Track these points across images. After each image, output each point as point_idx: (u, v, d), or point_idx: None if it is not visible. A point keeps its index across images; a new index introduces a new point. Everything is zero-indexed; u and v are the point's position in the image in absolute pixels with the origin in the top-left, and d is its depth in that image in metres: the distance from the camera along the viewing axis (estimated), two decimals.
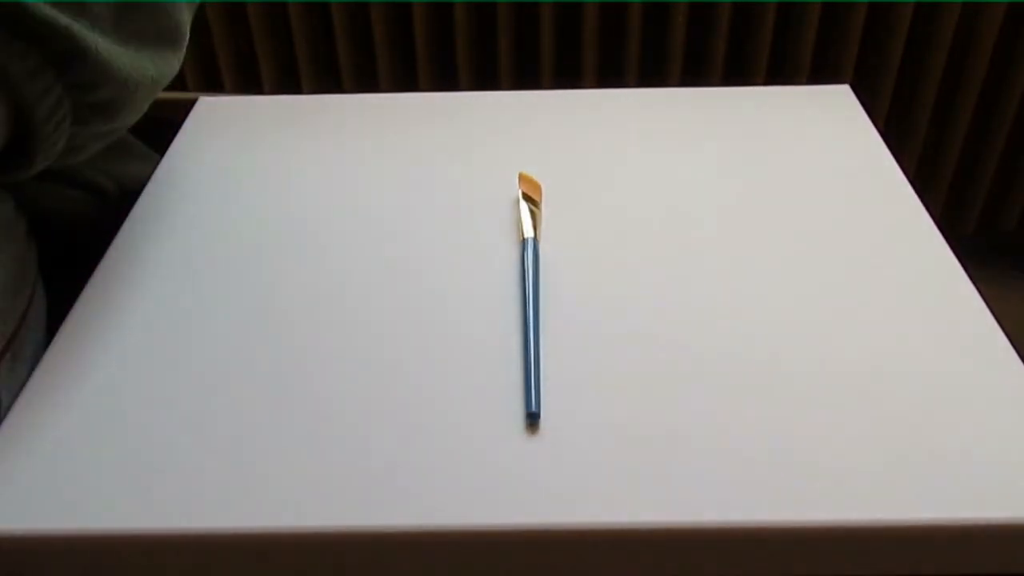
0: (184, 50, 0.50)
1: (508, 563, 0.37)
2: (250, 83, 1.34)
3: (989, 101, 1.35)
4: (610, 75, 1.32)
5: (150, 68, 0.46)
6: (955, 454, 0.39)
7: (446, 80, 1.34)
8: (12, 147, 0.43)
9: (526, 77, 1.33)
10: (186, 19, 0.50)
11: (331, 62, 1.32)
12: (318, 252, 0.52)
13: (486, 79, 1.33)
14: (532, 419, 0.41)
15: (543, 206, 0.55)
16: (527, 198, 0.54)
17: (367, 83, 1.34)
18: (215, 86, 1.34)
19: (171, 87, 0.52)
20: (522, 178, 0.56)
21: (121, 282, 0.50)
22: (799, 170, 0.58)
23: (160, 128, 0.62)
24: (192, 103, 0.67)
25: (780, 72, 1.32)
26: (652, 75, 1.32)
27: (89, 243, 0.53)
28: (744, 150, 0.61)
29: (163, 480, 0.38)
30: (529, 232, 0.51)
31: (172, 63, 0.49)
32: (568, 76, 1.33)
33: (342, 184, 0.58)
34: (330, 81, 1.34)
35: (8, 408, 0.42)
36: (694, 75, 1.32)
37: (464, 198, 0.56)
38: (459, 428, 0.40)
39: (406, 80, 1.34)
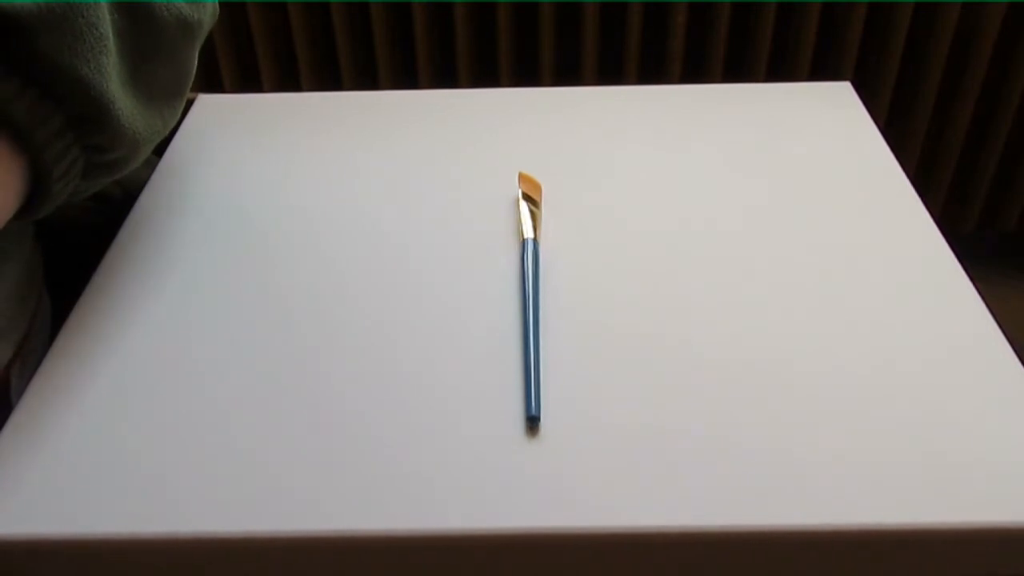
0: (188, 89, 0.50)
1: (508, 567, 0.37)
2: (250, 82, 1.34)
3: (989, 100, 1.35)
4: (610, 73, 1.32)
5: (159, 123, 0.46)
6: (954, 456, 0.39)
7: (446, 78, 1.34)
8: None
9: (526, 75, 1.33)
10: (194, 62, 0.50)
11: (331, 61, 1.32)
12: (317, 252, 0.52)
13: (486, 77, 1.33)
14: (532, 423, 0.41)
15: (543, 206, 0.55)
16: (527, 198, 0.54)
17: (367, 81, 1.34)
18: (215, 85, 1.34)
19: None
20: (522, 178, 0.56)
21: (121, 283, 0.49)
22: (799, 167, 0.58)
23: None
24: (191, 101, 0.67)
25: (780, 71, 1.32)
26: (652, 73, 1.32)
27: (93, 247, 0.53)
28: (745, 147, 0.61)
29: (166, 484, 0.38)
30: (529, 233, 0.51)
31: (179, 107, 0.49)
32: (568, 74, 1.33)
33: (341, 183, 0.58)
34: (330, 79, 1.34)
35: None
36: (694, 73, 1.32)
37: (464, 197, 0.56)
38: (459, 432, 0.40)
39: (406, 78, 1.34)
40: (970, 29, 1.27)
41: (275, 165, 0.60)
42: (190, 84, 0.49)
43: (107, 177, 0.45)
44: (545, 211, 0.55)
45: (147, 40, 0.44)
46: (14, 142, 0.39)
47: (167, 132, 0.48)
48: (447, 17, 1.28)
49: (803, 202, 0.55)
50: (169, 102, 0.47)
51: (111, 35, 0.41)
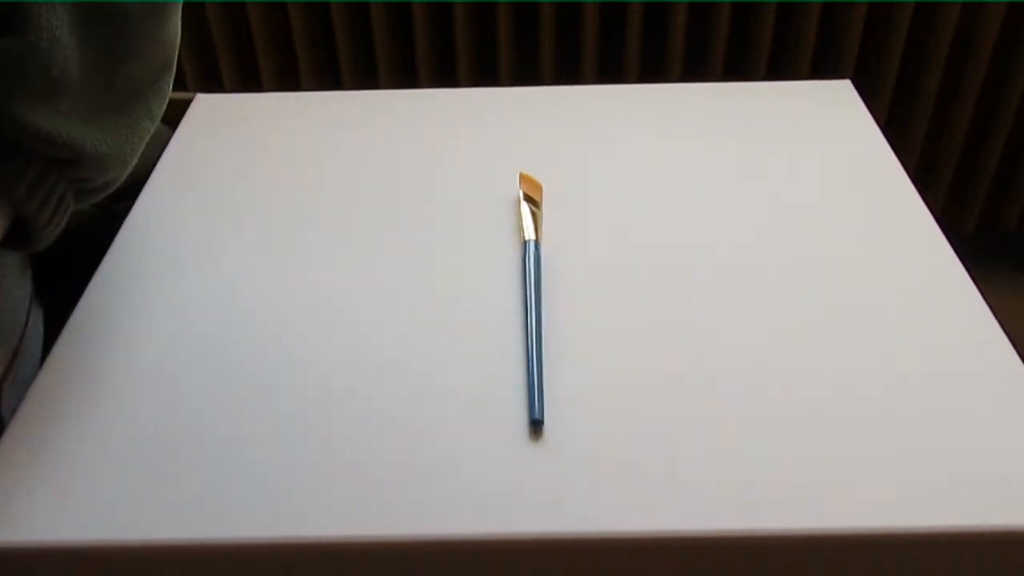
0: (176, 55, 0.48)
1: (512, 571, 0.37)
2: (250, 82, 1.34)
3: (989, 100, 1.35)
4: (610, 71, 1.32)
5: (147, 122, 0.45)
6: (956, 457, 0.39)
7: (446, 77, 1.34)
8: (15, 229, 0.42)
9: (526, 75, 1.33)
10: (177, 30, 0.48)
11: (331, 61, 1.32)
12: (317, 252, 0.51)
13: (486, 77, 1.33)
14: (536, 426, 0.40)
15: (544, 206, 0.55)
16: (528, 199, 0.54)
17: (367, 81, 1.34)
18: (215, 86, 1.33)
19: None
20: (523, 178, 0.55)
21: (120, 288, 0.49)
22: (799, 165, 0.58)
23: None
24: (190, 101, 0.67)
25: (780, 71, 1.32)
26: (652, 72, 1.32)
27: (81, 249, 0.53)
28: (745, 146, 0.60)
29: (164, 490, 0.38)
30: (530, 234, 0.51)
31: (169, 84, 0.47)
32: (568, 73, 1.32)
33: (341, 183, 0.57)
34: (330, 79, 1.34)
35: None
36: (694, 72, 1.32)
37: (464, 198, 0.56)
38: (462, 436, 0.40)
39: (406, 78, 1.34)
40: (970, 29, 1.27)
41: (274, 165, 0.59)
42: (176, 53, 0.47)
43: (102, 195, 0.45)
44: (546, 211, 0.55)
45: (121, 40, 0.42)
46: None
47: (158, 121, 0.47)
48: (447, 17, 1.28)
49: (803, 200, 0.55)
50: (155, 88, 0.45)
51: (74, 62, 0.39)
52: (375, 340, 0.45)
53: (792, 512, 0.37)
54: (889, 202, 0.55)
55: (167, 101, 0.47)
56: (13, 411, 0.42)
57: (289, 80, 1.34)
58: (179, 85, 0.48)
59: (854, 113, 0.64)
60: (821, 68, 1.32)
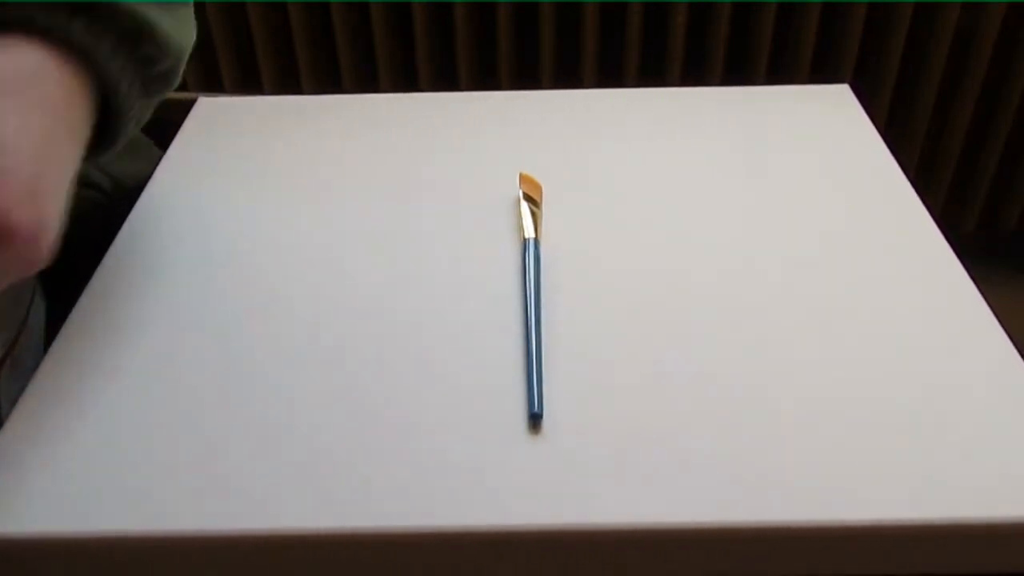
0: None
1: (511, 564, 0.37)
2: (250, 82, 1.34)
3: (989, 100, 1.35)
4: (610, 75, 1.32)
5: (188, 34, 0.47)
6: (955, 453, 0.39)
7: (446, 80, 1.34)
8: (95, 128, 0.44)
9: (526, 77, 1.33)
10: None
11: (331, 62, 1.32)
12: (318, 253, 0.52)
13: (486, 79, 1.33)
14: (535, 420, 0.41)
15: (544, 206, 0.55)
16: (528, 198, 0.54)
17: (367, 83, 1.34)
18: (215, 86, 1.34)
19: None
20: (523, 178, 0.56)
21: (120, 287, 0.49)
22: (799, 169, 0.58)
23: (159, 128, 0.61)
24: (192, 103, 0.67)
25: (780, 71, 1.32)
26: (652, 73, 1.32)
27: (85, 240, 0.53)
28: (744, 149, 0.61)
29: (162, 483, 0.38)
30: (530, 232, 0.51)
31: (194, 26, 0.50)
32: (568, 76, 1.33)
33: (342, 185, 0.58)
34: (330, 81, 1.34)
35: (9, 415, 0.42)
36: (694, 74, 1.32)
37: (464, 198, 0.56)
38: (462, 430, 0.40)
39: (406, 80, 1.34)
40: (970, 29, 1.27)
41: (275, 167, 0.60)
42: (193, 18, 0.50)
43: (161, 92, 0.46)
44: (545, 211, 0.55)
45: None
46: (78, 64, 0.40)
47: (191, 47, 0.49)
48: (447, 17, 1.28)
49: (803, 204, 0.55)
50: (186, 14, 0.48)
51: None
52: (376, 336, 0.46)
53: (793, 505, 0.37)
54: (889, 203, 0.55)
55: (193, 41, 0.49)
56: (13, 401, 0.42)
57: (289, 80, 1.34)
58: (179, 86, 0.49)
59: (852, 117, 0.64)
60: (821, 69, 1.32)
